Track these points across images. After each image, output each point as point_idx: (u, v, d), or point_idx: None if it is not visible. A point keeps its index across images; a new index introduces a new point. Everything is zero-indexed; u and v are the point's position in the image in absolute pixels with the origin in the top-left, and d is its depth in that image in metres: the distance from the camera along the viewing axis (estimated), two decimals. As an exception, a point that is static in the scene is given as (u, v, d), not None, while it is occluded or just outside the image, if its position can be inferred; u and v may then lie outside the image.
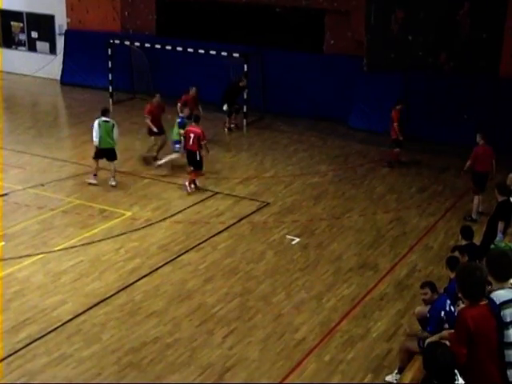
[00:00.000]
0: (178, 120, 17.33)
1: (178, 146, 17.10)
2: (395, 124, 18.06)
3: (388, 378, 9.36)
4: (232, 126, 21.57)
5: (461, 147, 18.56)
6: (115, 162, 16.54)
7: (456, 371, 5.39)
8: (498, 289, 5.88)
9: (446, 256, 11.69)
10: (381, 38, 19.50)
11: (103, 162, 16.53)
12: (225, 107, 21.08)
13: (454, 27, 18.95)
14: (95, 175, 16.48)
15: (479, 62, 19.17)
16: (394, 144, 18.39)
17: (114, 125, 16.36)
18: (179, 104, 18.98)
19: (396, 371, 9.25)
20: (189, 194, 15.97)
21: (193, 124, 16.40)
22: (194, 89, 19.99)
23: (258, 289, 11.85)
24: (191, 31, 24.12)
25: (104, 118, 16.28)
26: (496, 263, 6.00)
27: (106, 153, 16.41)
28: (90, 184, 16.35)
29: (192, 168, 16.34)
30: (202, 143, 16.13)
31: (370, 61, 19.71)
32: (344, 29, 22.04)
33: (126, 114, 23.08)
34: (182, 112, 17.74)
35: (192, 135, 16.04)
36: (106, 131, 16.21)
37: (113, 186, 16.35)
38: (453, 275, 9.16)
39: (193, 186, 16.22)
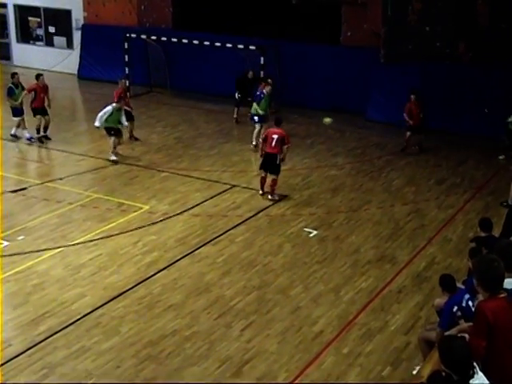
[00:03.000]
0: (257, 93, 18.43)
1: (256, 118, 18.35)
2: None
3: (415, 373, 9.31)
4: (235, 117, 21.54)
5: (479, 138, 18.50)
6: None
7: (475, 364, 5.35)
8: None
9: (465, 248, 11.71)
10: (398, 29, 19.40)
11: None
12: (237, 95, 21.14)
13: (472, 17, 18.81)
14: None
15: (498, 52, 19.00)
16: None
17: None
18: None
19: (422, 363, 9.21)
20: (274, 200, 15.36)
21: (274, 126, 15.69)
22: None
23: (275, 282, 11.84)
24: (207, 24, 24.11)
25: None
26: (505, 254, 5.96)
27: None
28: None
29: (267, 173, 15.33)
30: (285, 147, 15.23)
31: (387, 52, 19.63)
32: (361, 20, 21.94)
33: (143, 108, 23.14)
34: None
35: (275, 137, 15.17)
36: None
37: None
38: (474, 268, 9.09)
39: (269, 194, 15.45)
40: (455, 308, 8.40)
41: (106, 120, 17.51)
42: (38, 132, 19.26)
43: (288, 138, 15.40)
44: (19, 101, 19.33)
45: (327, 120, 18.38)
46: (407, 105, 18.71)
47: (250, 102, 20.77)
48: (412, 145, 18.91)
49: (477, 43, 19.36)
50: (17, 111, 19.31)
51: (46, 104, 19.43)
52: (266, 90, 18.72)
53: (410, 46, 19.45)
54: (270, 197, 15.29)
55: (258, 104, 18.60)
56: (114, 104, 17.74)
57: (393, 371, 9.42)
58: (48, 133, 19.49)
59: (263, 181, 15.48)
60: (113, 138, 17.65)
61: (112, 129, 17.65)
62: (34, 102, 19.19)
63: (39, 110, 19.23)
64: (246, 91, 21.07)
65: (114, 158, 17.61)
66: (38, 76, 19.57)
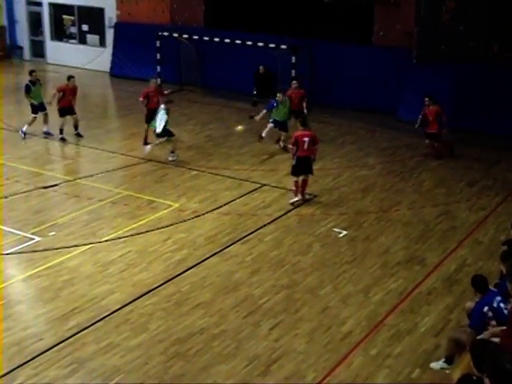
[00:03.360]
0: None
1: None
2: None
3: (433, 365, 9.26)
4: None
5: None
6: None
7: None
8: None
9: (496, 251, 11.55)
10: (431, 29, 19.23)
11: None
12: (254, 91, 21.39)
13: (507, 17, 18.56)
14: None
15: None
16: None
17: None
18: None
19: (443, 359, 9.14)
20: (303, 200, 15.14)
21: (301, 128, 15.13)
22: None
23: (304, 281, 11.81)
24: (239, 23, 24.10)
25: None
26: None
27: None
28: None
29: (303, 176, 15.02)
30: (316, 146, 15.06)
31: (420, 52, 19.47)
32: (393, 20, 21.75)
33: (174, 106, 23.18)
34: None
35: (306, 139, 14.74)
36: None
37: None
38: (506, 270, 9.00)
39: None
40: (486, 308, 8.33)
41: (165, 126, 17.41)
42: (62, 132, 19.32)
43: (317, 137, 15.28)
44: (38, 99, 19.48)
45: (239, 128, 18.66)
46: (423, 109, 18.26)
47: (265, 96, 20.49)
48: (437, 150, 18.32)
49: (511, 43, 19.11)
50: (35, 108, 19.47)
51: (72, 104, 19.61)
52: (278, 98, 18.35)
53: (443, 46, 19.27)
54: (299, 197, 15.11)
55: (272, 112, 18.38)
56: (163, 106, 17.56)
57: (422, 373, 9.33)
58: (79, 130, 19.66)
59: (298, 186, 15.06)
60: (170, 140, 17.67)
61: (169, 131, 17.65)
62: (61, 101, 19.29)
63: (65, 110, 19.34)
64: (260, 87, 21.11)
65: (173, 158, 17.76)
66: (69, 78, 19.71)
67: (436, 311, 10.89)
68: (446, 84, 20.71)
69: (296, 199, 15.03)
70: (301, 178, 15.04)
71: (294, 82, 19.63)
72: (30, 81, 19.63)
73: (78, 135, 19.59)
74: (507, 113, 19.68)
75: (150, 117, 18.30)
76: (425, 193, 15.93)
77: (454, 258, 12.77)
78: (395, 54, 21.61)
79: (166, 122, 17.26)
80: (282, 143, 18.40)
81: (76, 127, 19.64)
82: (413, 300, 11.26)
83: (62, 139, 19.25)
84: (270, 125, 18.35)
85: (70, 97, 19.45)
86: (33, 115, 19.45)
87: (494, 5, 18.76)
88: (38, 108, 19.46)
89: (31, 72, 19.93)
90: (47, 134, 19.44)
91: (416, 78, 21.30)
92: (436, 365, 9.23)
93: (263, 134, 18.23)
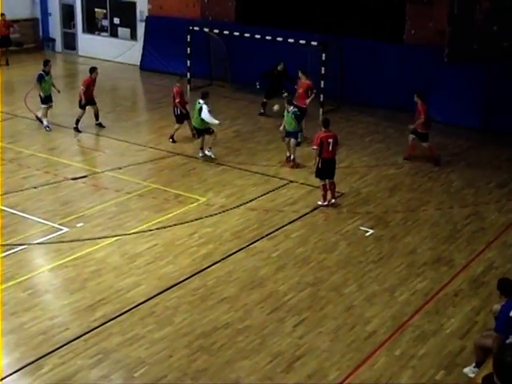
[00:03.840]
0: (294, 110, 17.08)
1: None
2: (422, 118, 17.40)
3: (466, 370, 9.20)
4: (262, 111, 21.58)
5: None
6: (211, 136, 17.58)
7: None
8: None
9: (525, 254, 11.44)
10: (464, 29, 19.00)
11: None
12: (257, 85, 21.38)
13: (541, 17, 18.32)
14: (201, 148, 17.54)
15: None
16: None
17: (201, 107, 17.08)
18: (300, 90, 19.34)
19: (474, 364, 9.08)
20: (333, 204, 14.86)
21: (323, 129, 14.71)
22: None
23: (329, 279, 11.79)
24: (270, 19, 24.07)
25: (199, 100, 17.37)
26: None
27: (199, 132, 17.65)
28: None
29: (328, 180, 14.74)
30: (337, 147, 14.95)
31: (452, 51, 19.24)
32: (425, 18, 21.59)
33: (208, 98, 23.26)
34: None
35: (331, 141, 14.48)
36: (195, 112, 17.38)
37: (202, 156, 17.48)
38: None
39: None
40: (511, 313, 8.25)
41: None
42: (77, 123, 19.43)
43: (338, 139, 15.06)
44: (47, 91, 19.50)
45: (276, 107, 18.57)
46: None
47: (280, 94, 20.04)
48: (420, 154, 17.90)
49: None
50: (45, 99, 19.51)
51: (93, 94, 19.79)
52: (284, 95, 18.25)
53: (476, 46, 19.03)
54: (333, 201, 14.87)
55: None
56: (202, 101, 17.27)
57: (446, 375, 9.29)
58: (100, 120, 19.81)
59: (326, 189, 14.76)
60: (209, 136, 17.61)
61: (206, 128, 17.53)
62: (85, 94, 19.40)
63: (88, 102, 19.53)
64: (274, 84, 20.97)
65: (209, 153, 17.63)
66: (92, 70, 19.85)
67: (462, 313, 10.81)
68: (477, 83, 20.51)
69: (325, 203, 14.76)
70: (327, 181, 14.79)
71: (301, 74, 19.46)
72: (43, 70, 19.58)
73: (100, 125, 19.73)
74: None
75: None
76: (453, 193, 15.81)
77: (481, 259, 12.66)
78: (426, 53, 21.44)
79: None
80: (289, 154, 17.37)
81: (97, 117, 19.84)
82: (438, 301, 11.19)
83: (77, 130, 19.40)
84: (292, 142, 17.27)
85: (93, 87, 19.68)
86: (43, 106, 19.56)
87: (528, 5, 18.51)
88: (45, 100, 19.54)
89: (47, 62, 19.93)
90: (45, 126, 19.50)
91: (447, 77, 21.11)
92: (468, 370, 9.16)
93: (288, 154, 17.36)
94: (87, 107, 19.57)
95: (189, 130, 19.00)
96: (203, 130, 17.46)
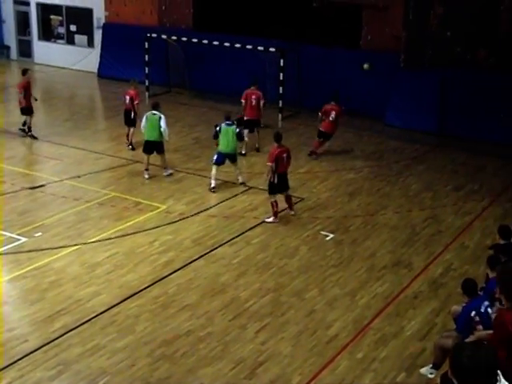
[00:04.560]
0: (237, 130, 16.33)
1: None
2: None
3: (423, 371, 9.30)
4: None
5: (498, 145, 18.39)
6: (163, 155, 16.77)
7: (499, 372, 5.19)
8: None
9: (482, 255, 11.65)
10: (419, 34, 19.34)
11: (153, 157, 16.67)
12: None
13: (493, 23, 18.71)
14: (147, 170, 16.61)
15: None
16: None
17: (160, 117, 16.44)
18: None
19: (431, 365, 9.18)
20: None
21: (276, 145, 14.30)
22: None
23: (291, 284, 11.83)
24: (228, 25, 24.14)
25: (153, 111, 16.53)
26: None
27: (152, 146, 16.55)
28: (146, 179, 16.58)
29: (284, 193, 14.51)
30: (290, 160, 14.61)
31: (408, 57, 19.58)
32: (381, 24, 21.87)
33: (162, 108, 23.16)
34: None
35: (285, 155, 14.32)
36: (152, 124, 16.40)
37: (167, 176, 16.70)
38: (492, 274, 9.06)
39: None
40: (473, 313, 8.39)
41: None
42: (30, 130, 19.32)
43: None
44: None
45: (366, 66, 18.48)
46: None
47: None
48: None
49: (497, 49, 19.26)
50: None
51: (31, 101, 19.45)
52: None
53: (431, 51, 19.39)
54: (292, 212, 14.70)
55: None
56: (157, 112, 16.55)
57: (407, 377, 9.38)
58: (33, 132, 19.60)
59: (277, 205, 14.26)
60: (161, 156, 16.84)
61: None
62: (25, 99, 19.16)
63: (28, 109, 19.33)
64: None
65: (167, 172, 16.91)
66: (25, 71, 19.65)
67: (422, 315, 10.94)
68: (432, 88, 20.84)
69: (276, 221, 14.27)
70: (278, 196, 14.35)
71: (253, 87, 18.97)
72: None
73: (32, 137, 19.35)
74: (492, 118, 19.83)
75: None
76: (411, 197, 16.02)
77: (440, 261, 12.84)
78: (383, 58, 21.71)
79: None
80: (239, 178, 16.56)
81: (30, 128, 19.40)
82: (399, 304, 11.30)
83: (33, 137, 19.19)
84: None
85: (30, 92, 19.38)
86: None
87: (480, 11, 18.89)
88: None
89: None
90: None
91: (403, 82, 21.41)
92: (425, 370, 9.27)
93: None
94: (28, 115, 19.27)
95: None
96: (155, 146, 16.53)
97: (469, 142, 19.78)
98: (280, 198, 14.45)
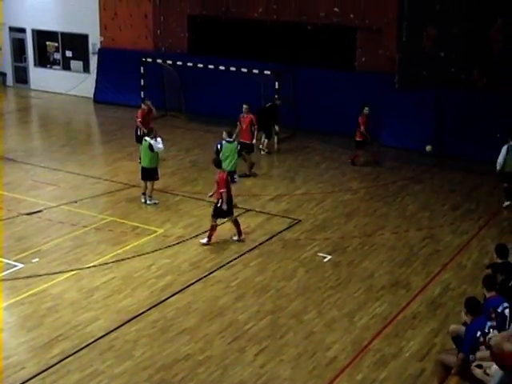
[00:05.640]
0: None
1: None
2: (362, 128, 19.34)
3: None
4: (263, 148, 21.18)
5: (493, 164, 18.36)
6: (152, 183, 16.60)
7: None
8: None
9: (480, 274, 11.61)
10: (413, 55, 19.46)
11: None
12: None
13: (486, 44, 18.84)
14: (144, 194, 16.55)
15: (512, 79, 19.01)
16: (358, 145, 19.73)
17: (149, 144, 16.35)
18: None
19: None
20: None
21: (220, 170, 14.42)
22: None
23: (289, 306, 11.80)
24: (223, 49, 24.29)
25: (145, 138, 16.68)
26: None
27: (145, 172, 16.55)
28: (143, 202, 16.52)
29: (231, 217, 14.45)
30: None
31: (402, 78, 19.68)
32: (375, 46, 22.03)
33: (158, 132, 23.22)
34: None
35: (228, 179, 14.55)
36: (143, 150, 16.56)
37: (150, 204, 16.44)
38: (489, 294, 9.05)
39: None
40: (478, 333, 8.35)
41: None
42: None
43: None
44: None
45: (429, 148, 18.96)
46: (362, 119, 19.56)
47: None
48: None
49: (491, 69, 19.38)
50: None
51: None
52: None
53: (425, 72, 19.49)
54: (243, 236, 14.44)
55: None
56: (147, 138, 16.53)
57: (407, 398, 9.33)
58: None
59: (215, 228, 14.31)
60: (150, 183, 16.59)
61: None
62: None
63: None
64: (264, 121, 20.70)
65: (151, 202, 16.54)
66: None
67: (421, 335, 10.91)
68: (427, 109, 20.94)
69: (207, 242, 14.23)
70: (232, 218, 14.38)
71: (245, 106, 18.96)
72: None
73: None
74: (487, 137, 19.88)
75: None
76: (409, 217, 16.03)
77: (438, 281, 12.83)
78: (378, 80, 21.83)
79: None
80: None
81: None
82: (398, 324, 11.28)
83: None
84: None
85: None
86: None
87: (473, 31, 19.03)
88: None
89: None
90: None
91: (398, 103, 21.51)
92: None
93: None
94: None
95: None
96: (149, 173, 16.49)
97: (464, 162, 19.85)
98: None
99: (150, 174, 16.55)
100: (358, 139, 19.62)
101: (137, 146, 21.02)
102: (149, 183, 16.56)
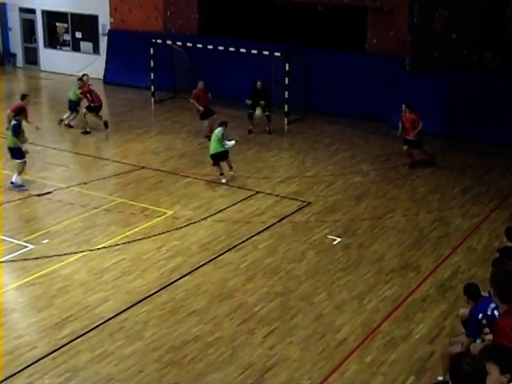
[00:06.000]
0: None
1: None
2: (419, 125, 17.94)
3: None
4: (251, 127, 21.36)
5: (506, 147, 18.32)
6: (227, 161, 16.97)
7: None
8: None
9: (490, 258, 11.56)
10: (424, 37, 19.27)
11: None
12: (247, 101, 20.88)
13: (499, 25, 18.65)
14: (221, 174, 16.77)
15: (525, 61, 18.83)
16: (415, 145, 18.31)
17: (217, 133, 16.83)
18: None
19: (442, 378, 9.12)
20: None
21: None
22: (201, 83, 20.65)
23: (299, 288, 11.80)
24: (233, 30, 24.18)
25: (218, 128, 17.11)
26: None
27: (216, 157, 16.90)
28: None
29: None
30: None
31: (413, 60, 19.49)
32: (387, 27, 21.86)
33: (168, 113, 23.28)
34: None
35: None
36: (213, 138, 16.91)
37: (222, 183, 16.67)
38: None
39: None
40: (480, 315, 8.34)
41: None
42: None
43: None
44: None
45: (258, 111, 19.56)
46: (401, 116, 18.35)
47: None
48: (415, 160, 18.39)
49: (504, 51, 19.19)
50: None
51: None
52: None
53: (436, 54, 19.31)
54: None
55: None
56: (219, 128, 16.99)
57: (416, 381, 9.33)
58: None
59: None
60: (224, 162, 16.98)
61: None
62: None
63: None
64: (257, 101, 20.77)
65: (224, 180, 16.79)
66: (24, 96, 18.50)
67: (430, 318, 10.90)
68: (438, 91, 20.80)
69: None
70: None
71: (404, 108, 18.38)
72: (17, 119, 16.41)
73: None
74: (499, 120, 19.76)
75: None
76: (419, 199, 15.96)
77: (448, 264, 12.79)
78: (388, 61, 21.69)
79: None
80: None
81: None
82: (407, 307, 11.26)
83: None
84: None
85: (27, 120, 17.32)
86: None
87: (486, 13, 18.84)
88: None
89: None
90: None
91: (409, 84, 21.36)
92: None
93: None
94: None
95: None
96: (220, 156, 16.81)
97: (476, 144, 19.72)
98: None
99: (220, 157, 16.83)
100: (412, 139, 18.01)
101: (146, 128, 21.18)
102: (222, 163, 16.81)
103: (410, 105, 18.13)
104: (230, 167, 16.98)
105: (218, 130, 16.86)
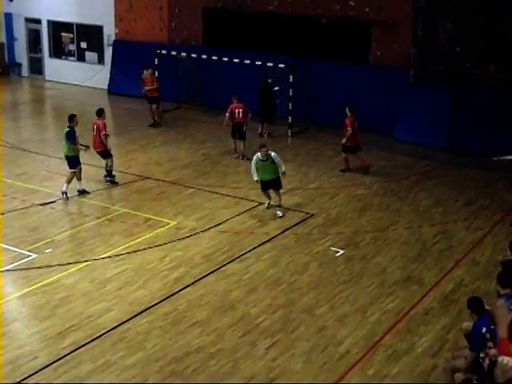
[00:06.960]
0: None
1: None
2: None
3: None
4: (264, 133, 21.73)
5: (509, 161, 18.28)
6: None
7: None
8: None
9: (493, 271, 11.58)
10: (428, 50, 19.37)
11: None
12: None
13: (503, 39, 18.71)
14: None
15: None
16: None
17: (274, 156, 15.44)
18: None
19: None
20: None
21: None
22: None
23: (301, 300, 11.79)
24: (237, 42, 24.26)
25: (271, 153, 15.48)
26: None
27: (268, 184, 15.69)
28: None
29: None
30: None
31: (417, 73, 19.59)
32: (391, 40, 21.93)
33: (171, 124, 23.32)
34: None
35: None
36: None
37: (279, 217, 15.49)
38: (503, 291, 9.00)
39: None
40: (484, 329, 8.33)
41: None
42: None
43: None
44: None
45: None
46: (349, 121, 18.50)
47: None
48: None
49: (508, 65, 19.24)
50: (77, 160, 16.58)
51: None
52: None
53: (440, 67, 19.40)
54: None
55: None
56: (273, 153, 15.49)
57: (419, 394, 9.31)
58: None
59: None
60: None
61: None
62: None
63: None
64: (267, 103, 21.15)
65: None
66: (100, 111, 17.78)
67: (433, 331, 10.87)
68: (442, 104, 20.82)
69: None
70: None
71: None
72: (70, 127, 16.42)
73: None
74: (503, 133, 19.77)
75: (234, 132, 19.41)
76: (422, 212, 15.95)
77: (451, 277, 12.76)
78: (392, 74, 21.74)
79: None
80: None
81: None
82: (410, 320, 11.23)
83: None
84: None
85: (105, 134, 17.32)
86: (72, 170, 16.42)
87: (489, 26, 18.90)
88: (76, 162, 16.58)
89: (72, 117, 16.71)
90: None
91: (413, 97, 21.41)
92: None
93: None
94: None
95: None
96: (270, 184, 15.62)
97: (479, 157, 19.71)
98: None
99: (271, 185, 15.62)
100: (343, 143, 18.40)
101: (150, 139, 21.18)
102: (276, 192, 15.62)
103: (352, 108, 18.51)
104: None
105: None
